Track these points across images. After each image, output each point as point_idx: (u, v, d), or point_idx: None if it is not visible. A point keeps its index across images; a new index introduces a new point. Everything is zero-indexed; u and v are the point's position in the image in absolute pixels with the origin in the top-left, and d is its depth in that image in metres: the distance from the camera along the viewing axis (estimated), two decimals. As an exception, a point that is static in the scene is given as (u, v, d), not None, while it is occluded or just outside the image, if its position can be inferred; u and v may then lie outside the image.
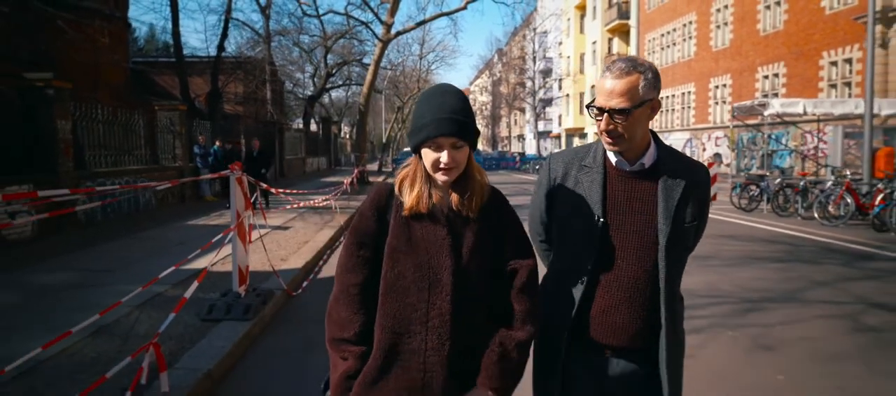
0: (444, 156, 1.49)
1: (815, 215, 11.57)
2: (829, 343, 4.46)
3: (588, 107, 1.68)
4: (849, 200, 10.99)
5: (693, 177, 1.71)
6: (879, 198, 10.46)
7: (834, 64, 23.03)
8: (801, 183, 12.80)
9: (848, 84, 22.46)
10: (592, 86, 44.09)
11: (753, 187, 13.96)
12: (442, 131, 1.48)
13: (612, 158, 1.73)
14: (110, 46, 16.22)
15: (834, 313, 5.19)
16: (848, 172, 12.20)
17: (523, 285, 1.61)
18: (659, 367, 1.68)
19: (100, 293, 5.67)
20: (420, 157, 1.56)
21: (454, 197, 1.57)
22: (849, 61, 22.42)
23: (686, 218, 1.68)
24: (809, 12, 24.40)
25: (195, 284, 3.86)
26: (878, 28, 19.83)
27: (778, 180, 13.42)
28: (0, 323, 4.80)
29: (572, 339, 1.71)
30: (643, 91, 1.60)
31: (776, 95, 25.88)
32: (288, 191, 11.35)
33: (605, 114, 1.62)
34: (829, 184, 11.81)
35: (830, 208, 11.36)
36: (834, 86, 22.97)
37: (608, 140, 1.66)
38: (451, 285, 1.51)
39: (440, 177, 1.53)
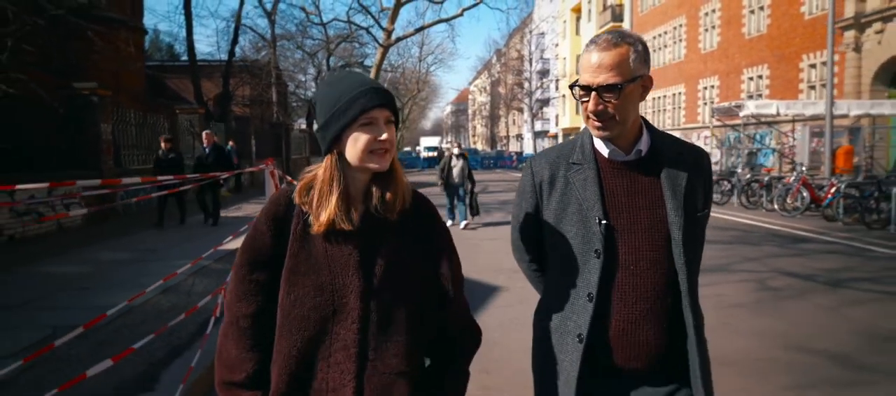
0: (383, 133, 1.26)
1: (776, 207, 12.83)
2: (733, 297, 5.73)
3: (571, 87, 1.48)
4: (805, 194, 12.24)
5: (696, 162, 1.52)
6: (831, 191, 11.72)
7: (813, 66, 24.26)
8: (766, 178, 14.07)
9: (825, 85, 23.66)
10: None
11: (725, 182, 15.22)
12: (377, 101, 1.25)
13: (603, 150, 1.51)
14: (131, 54, 17.50)
15: (748, 279, 6.45)
16: (804, 168, 13.44)
17: (456, 294, 1.42)
18: (691, 385, 1.45)
19: (153, 266, 6.94)
20: (337, 156, 1.29)
21: (375, 193, 1.31)
22: (826, 64, 23.62)
23: (698, 207, 1.48)
24: (790, 17, 25.64)
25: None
26: (852, 33, 21.05)
27: (747, 176, 14.69)
28: (85, 285, 6.09)
29: (586, 368, 1.46)
30: (634, 65, 1.40)
31: (760, 96, 27.12)
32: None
33: (592, 93, 1.41)
34: (792, 179, 13.08)
35: (788, 201, 12.62)
36: (813, 87, 24.19)
37: (597, 124, 1.44)
38: (359, 311, 1.26)
39: (377, 162, 1.27)
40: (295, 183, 1.37)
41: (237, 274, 1.33)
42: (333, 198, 1.27)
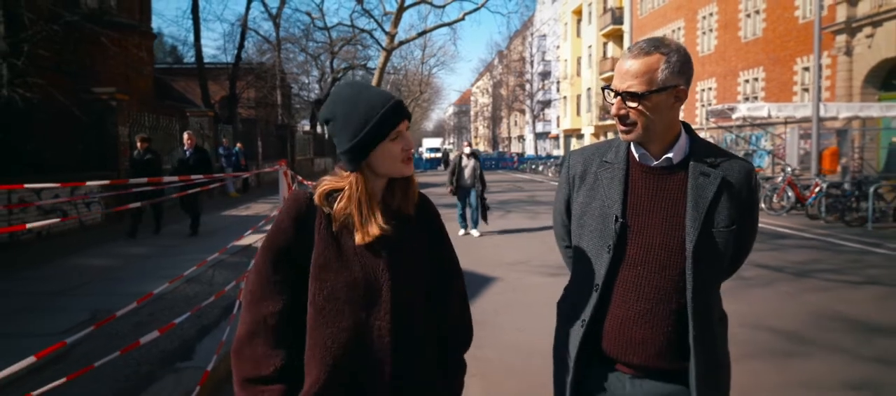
0: (409, 140, 1.40)
1: (763, 206, 13.36)
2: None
3: (604, 89, 1.55)
4: (790, 193, 12.78)
5: (731, 175, 1.51)
6: (815, 191, 12.25)
7: (806, 69, 24.78)
8: (755, 179, 14.63)
9: (818, 88, 24.18)
10: (588, 89, 45.90)
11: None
12: (404, 115, 1.38)
13: (636, 153, 1.56)
14: (142, 59, 18.11)
15: (723, 270, 6.98)
16: (790, 168, 13.96)
17: (457, 304, 1.56)
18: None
19: (175, 260, 7.51)
20: (366, 170, 1.38)
21: (397, 192, 1.46)
22: (819, 67, 24.13)
23: (720, 223, 1.48)
24: (785, 21, 26.16)
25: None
26: (843, 37, 21.56)
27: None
28: (115, 276, 6.66)
29: (586, 352, 1.56)
30: (664, 75, 1.43)
31: (756, 98, 27.65)
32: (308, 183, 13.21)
33: (617, 97, 1.48)
34: (780, 180, 13.61)
35: (775, 200, 13.16)
36: (806, 90, 24.70)
37: (621, 127, 1.51)
38: (391, 301, 1.37)
39: (408, 169, 1.41)
40: (306, 183, 1.48)
41: (261, 275, 1.38)
42: (378, 211, 1.38)
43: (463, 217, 10.49)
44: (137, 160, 9.58)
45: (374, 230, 1.36)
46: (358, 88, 1.40)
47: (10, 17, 14.35)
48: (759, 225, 8.82)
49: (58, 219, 5.82)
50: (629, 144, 1.57)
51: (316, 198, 1.39)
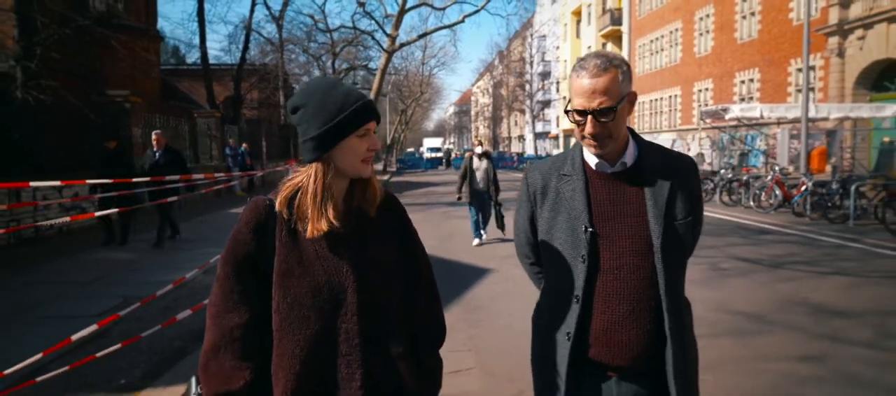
0: (375, 142, 1.40)
1: (752, 204, 13.84)
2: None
3: (567, 111, 1.57)
4: (777, 192, 13.26)
5: (679, 170, 1.63)
6: (801, 189, 12.73)
7: (800, 70, 25.21)
8: (745, 178, 15.10)
9: (812, 89, 24.64)
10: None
11: (708, 182, 16.25)
12: (372, 115, 1.38)
13: (591, 162, 1.63)
14: (151, 61, 18.61)
15: (703, 262, 7.44)
16: (777, 168, 14.43)
17: (428, 285, 1.56)
18: (668, 384, 1.55)
19: (193, 253, 8.00)
20: (327, 163, 1.36)
21: (357, 193, 1.44)
22: (812, 68, 24.60)
23: (678, 215, 1.59)
24: (779, 23, 26.62)
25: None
26: (836, 39, 22.00)
27: (729, 175, 15.71)
28: (136, 267, 7.15)
29: (574, 363, 1.60)
30: (622, 86, 1.52)
31: (752, 99, 28.10)
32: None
33: (589, 117, 1.52)
34: (769, 178, 14.08)
35: (763, 198, 13.64)
36: (800, 90, 25.15)
37: (593, 143, 1.56)
38: (357, 303, 1.36)
39: (367, 170, 1.40)
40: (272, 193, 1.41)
41: (224, 287, 1.36)
42: (331, 206, 1.35)
43: (477, 225, 9.43)
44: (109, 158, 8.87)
45: (322, 225, 1.33)
46: (333, 82, 1.42)
47: (24, 22, 14.86)
48: (746, 221, 9.25)
49: (77, 216, 6.28)
50: (582, 154, 1.66)
51: (277, 203, 1.37)
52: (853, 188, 11.14)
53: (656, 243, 1.53)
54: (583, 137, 1.56)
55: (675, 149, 1.84)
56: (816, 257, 7.85)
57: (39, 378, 3.03)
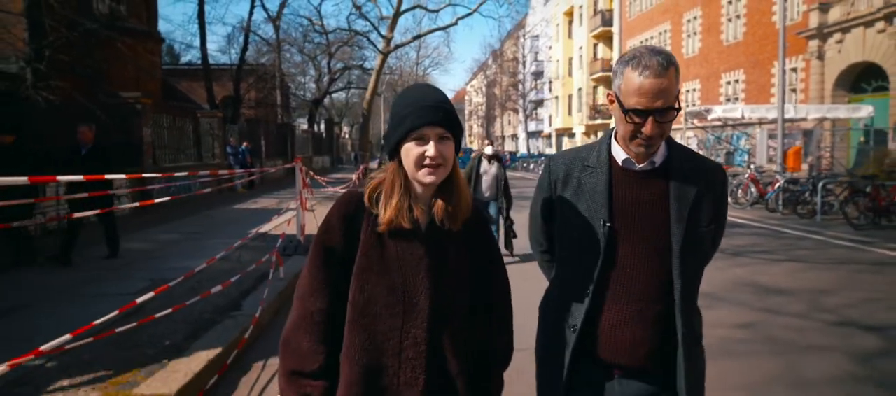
0: (430, 149, 1.33)
1: (730, 200, 14.63)
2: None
3: (626, 112, 1.46)
4: (753, 189, 14.05)
5: (709, 178, 1.57)
6: (774, 186, 13.52)
7: (783, 72, 26.06)
8: (725, 175, 15.92)
9: (794, 90, 25.49)
10: (579, 89, 47.16)
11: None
12: (427, 119, 1.34)
13: (618, 157, 1.58)
14: (155, 63, 19.24)
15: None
16: (753, 166, 15.23)
17: (502, 316, 1.56)
18: (677, 391, 1.53)
19: (204, 245, 8.70)
20: (399, 163, 1.40)
21: (438, 205, 1.41)
22: (794, 70, 25.46)
23: (702, 222, 1.53)
24: (763, 26, 27.48)
25: (285, 228, 6.88)
26: (816, 42, 22.82)
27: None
28: (157, 255, 7.85)
29: (578, 357, 1.58)
30: (677, 86, 1.46)
31: (737, 100, 28.94)
32: (323, 178, 14.42)
33: (650, 118, 1.44)
34: (744, 176, 14.87)
35: (740, 194, 14.43)
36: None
37: (644, 145, 1.49)
38: (429, 310, 1.38)
39: (425, 177, 1.36)
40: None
41: (311, 269, 1.41)
42: (395, 200, 1.36)
43: None
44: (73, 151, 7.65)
45: (386, 216, 1.36)
46: (418, 86, 1.45)
47: (34, 25, 15.49)
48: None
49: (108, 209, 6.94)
50: (609, 148, 1.61)
51: (365, 196, 1.41)
52: (820, 185, 11.92)
53: (676, 247, 1.50)
54: (633, 137, 1.49)
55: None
56: (777, 247, 8.62)
57: (105, 334, 3.72)
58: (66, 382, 3.50)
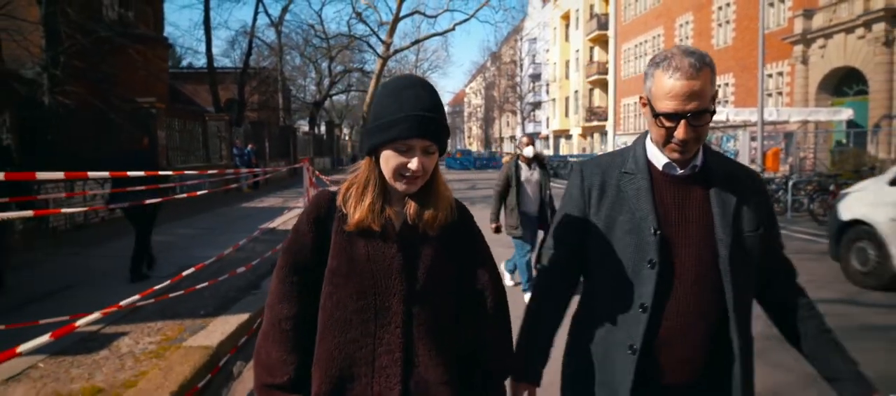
0: (413, 163, 1.26)
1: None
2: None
3: (657, 116, 1.40)
4: (732, 188, 14.89)
5: (748, 183, 1.52)
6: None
7: (769, 76, 26.93)
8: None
9: (780, 93, 26.38)
10: (576, 91, 48.01)
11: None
12: (416, 132, 1.24)
13: (658, 161, 1.50)
14: (163, 68, 20.11)
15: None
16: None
17: (494, 310, 1.46)
18: None
19: (218, 239, 9.53)
20: (376, 161, 1.31)
21: (410, 207, 1.34)
22: (781, 74, 26.35)
23: (747, 227, 1.46)
24: (751, 31, 28.30)
25: (293, 223, 7.74)
26: (800, 47, 23.68)
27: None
28: (180, 247, 8.69)
29: (641, 381, 1.45)
30: (713, 85, 1.38)
31: (727, 103, 29.80)
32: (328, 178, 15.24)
33: (682, 122, 1.36)
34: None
35: (720, 194, 15.27)
36: (769, 95, 26.86)
37: (679, 150, 1.42)
38: (402, 315, 1.30)
39: (402, 186, 1.30)
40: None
41: (279, 276, 1.36)
42: (367, 200, 1.30)
43: (529, 269, 5.79)
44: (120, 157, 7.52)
45: (356, 216, 1.30)
46: (405, 85, 1.30)
47: (50, 32, 16.33)
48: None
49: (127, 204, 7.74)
50: (646, 152, 1.53)
51: (339, 195, 1.36)
52: (790, 184, 12.75)
53: (723, 253, 1.43)
54: (667, 142, 1.43)
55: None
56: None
57: (146, 302, 4.55)
58: (127, 339, 4.34)
